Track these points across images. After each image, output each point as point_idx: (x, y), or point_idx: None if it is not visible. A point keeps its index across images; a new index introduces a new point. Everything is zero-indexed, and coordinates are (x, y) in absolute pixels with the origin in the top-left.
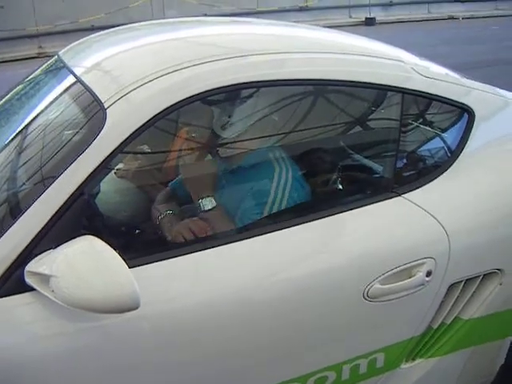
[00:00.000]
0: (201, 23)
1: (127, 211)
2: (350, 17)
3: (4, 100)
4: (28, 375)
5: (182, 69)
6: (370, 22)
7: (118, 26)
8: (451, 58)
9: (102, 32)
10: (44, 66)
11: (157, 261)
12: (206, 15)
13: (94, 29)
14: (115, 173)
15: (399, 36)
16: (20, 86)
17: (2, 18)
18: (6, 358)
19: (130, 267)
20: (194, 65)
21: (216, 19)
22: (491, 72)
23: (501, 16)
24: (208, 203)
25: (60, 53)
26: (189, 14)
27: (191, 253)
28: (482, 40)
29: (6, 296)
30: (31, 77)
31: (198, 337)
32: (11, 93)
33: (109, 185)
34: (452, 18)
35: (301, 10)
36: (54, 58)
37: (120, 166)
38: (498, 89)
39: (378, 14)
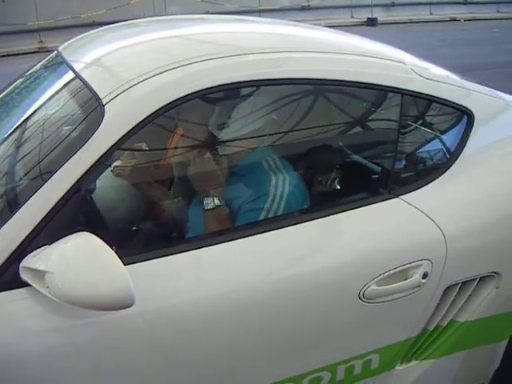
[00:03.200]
0: (202, 21)
1: (124, 208)
2: (352, 17)
3: (3, 94)
4: (23, 370)
5: (181, 66)
6: (371, 22)
7: (119, 22)
8: (452, 60)
9: (102, 28)
10: (44, 61)
11: (153, 258)
12: (207, 13)
13: (95, 24)
14: (112, 171)
15: (401, 37)
16: (19, 81)
17: (3, 12)
18: (1, 353)
19: (125, 264)
20: (194, 62)
21: (217, 17)
22: (491, 74)
23: (502, 19)
24: (210, 202)
25: (60, 48)
26: (191, 12)
27: (188, 250)
28: (483, 42)
29: (1, 291)
30: (31, 71)
31: (193, 335)
32: (10, 87)
33: (106, 181)
34: (454, 19)
35: (303, 9)
36: (53, 53)
37: (117, 163)
38: (497, 91)
39: (380, 15)
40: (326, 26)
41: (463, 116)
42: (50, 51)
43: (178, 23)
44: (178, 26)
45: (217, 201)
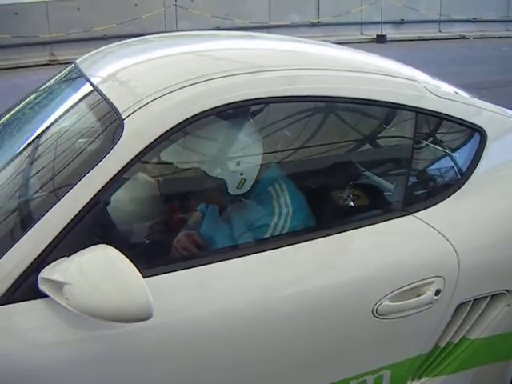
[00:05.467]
0: (214, 37)
1: (142, 221)
2: (362, 34)
3: (20, 106)
4: (38, 381)
5: (199, 82)
6: (381, 39)
7: (131, 36)
8: (461, 78)
9: (117, 43)
10: (61, 74)
11: (172, 271)
12: (218, 28)
13: (106, 38)
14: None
15: (410, 54)
16: (36, 94)
17: (15, 25)
18: (17, 363)
19: (144, 277)
20: (212, 79)
21: (229, 33)
22: (500, 93)
23: (511, 37)
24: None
25: (77, 61)
26: (201, 27)
27: (204, 265)
28: (492, 60)
29: (19, 302)
30: (47, 84)
31: (202, 349)
32: (27, 99)
33: (125, 194)
34: (463, 37)
35: (313, 25)
36: (70, 67)
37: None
38: (507, 109)
39: (389, 32)
40: (335, 43)
41: (475, 134)
42: (61, 64)
43: (191, 39)
44: (192, 42)
45: None
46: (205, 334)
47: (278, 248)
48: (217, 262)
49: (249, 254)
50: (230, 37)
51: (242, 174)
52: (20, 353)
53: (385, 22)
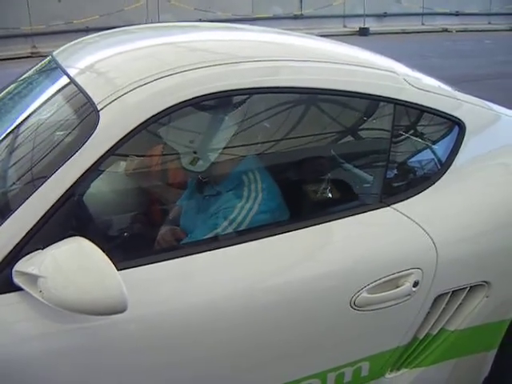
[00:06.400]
0: (195, 28)
1: (119, 213)
2: (345, 26)
3: None
4: (14, 375)
5: (176, 73)
6: (363, 32)
7: (112, 28)
8: (443, 71)
9: (96, 34)
10: (37, 66)
11: (147, 263)
12: (200, 21)
13: (88, 30)
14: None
15: (393, 47)
16: (13, 86)
17: None
18: None
19: (119, 269)
20: (189, 70)
21: (210, 25)
22: (482, 85)
23: (494, 30)
24: None
25: (54, 53)
26: (183, 19)
27: (181, 256)
28: (474, 53)
29: None
30: (24, 76)
31: (184, 341)
32: (4, 92)
33: (100, 186)
34: (446, 30)
35: (295, 18)
36: (47, 59)
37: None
38: (488, 102)
39: (372, 25)
40: (318, 36)
41: (454, 126)
42: (43, 56)
43: (172, 30)
44: (172, 33)
45: None
46: (182, 328)
47: (255, 240)
48: (197, 253)
49: (229, 246)
50: (212, 28)
51: (195, 153)
52: None
53: (367, 15)
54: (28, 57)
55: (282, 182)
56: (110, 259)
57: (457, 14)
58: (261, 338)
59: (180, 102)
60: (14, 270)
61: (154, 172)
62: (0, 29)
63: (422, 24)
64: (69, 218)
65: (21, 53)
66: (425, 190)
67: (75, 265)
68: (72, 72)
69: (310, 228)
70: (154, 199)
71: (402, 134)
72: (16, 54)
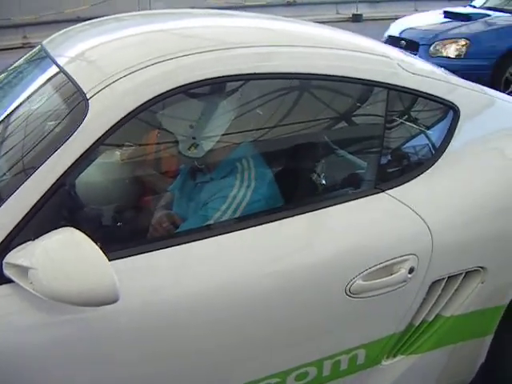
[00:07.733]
0: (187, 15)
1: (110, 203)
2: (338, 13)
3: None
4: (6, 366)
5: (166, 60)
6: (356, 18)
7: (103, 17)
8: None
9: (86, 22)
10: (27, 56)
11: (140, 253)
12: (193, 8)
13: (79, 20)
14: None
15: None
16: (2, 75)
17: None
18: None
19: (110, 260)
20: (179, 56)
21: (203, 11)
22: None
23: None
24: None
25: (43, 42)
26: (176, 7)
27: (175, 246)
28: None
29: None
30: (14, 66)
31: (177, 331)
32: None
33: (91, 175)
34: None
35: (288, 5)
36: (37, 48)
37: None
38: (483, 86)
39: (365, 11)
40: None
41: (449, 111)
42: (34, 47)
43: (163, 17)
44: (164, 20)
45: None
46: (175, 318)
47: (249, 227)
48: (190, 242)
49: (222, 234)
50: (204, 15)
51: (194, 138)
52: None
53: (360, 1)
54: (19, 47)
55: (274, 168)
56: (102, 249)
57: (449, 0)
58: (256, 326)
59: (172, 89)
60: (4, 261)
61: (145, 160)
62: None
63: (416, 10)
64: (60, 208)
65: (12, 43)
66: (419, 175)
67: (66, 256)
68: (61, 61)
69: (304, 215)
70: (147, 187)
71: (396, 120)
72: (7, 45)
